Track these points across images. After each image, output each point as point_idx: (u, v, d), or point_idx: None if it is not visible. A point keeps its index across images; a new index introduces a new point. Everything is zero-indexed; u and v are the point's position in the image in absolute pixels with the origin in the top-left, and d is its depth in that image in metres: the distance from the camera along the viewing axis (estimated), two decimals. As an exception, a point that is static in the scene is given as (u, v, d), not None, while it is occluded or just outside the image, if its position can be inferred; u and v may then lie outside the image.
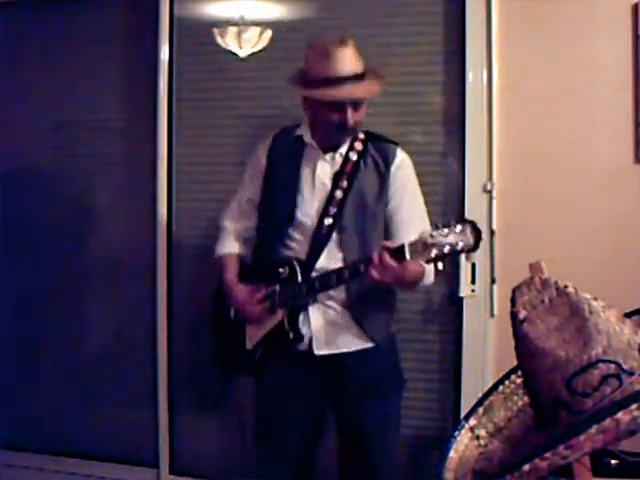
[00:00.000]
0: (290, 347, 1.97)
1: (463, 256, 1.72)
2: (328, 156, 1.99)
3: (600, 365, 1.14)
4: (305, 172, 2.00)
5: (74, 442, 2.92)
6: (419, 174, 2.47)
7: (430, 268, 1.86)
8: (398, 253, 1.68)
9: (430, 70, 2.46)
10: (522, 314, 1.30)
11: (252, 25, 2.52)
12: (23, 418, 2.98)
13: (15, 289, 3.00)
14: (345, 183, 1.94)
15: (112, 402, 2.88)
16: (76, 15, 2.84)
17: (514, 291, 1.37)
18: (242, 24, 2.52)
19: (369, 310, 1.98)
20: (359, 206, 1.95)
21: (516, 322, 1.30)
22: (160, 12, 2.67)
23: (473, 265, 2.37)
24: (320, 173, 1.98)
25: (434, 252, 1.60)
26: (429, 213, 2.43)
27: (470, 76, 2.38)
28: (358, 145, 1.98)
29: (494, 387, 1.52)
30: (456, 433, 1.44)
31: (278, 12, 2.63)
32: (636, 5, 2.23)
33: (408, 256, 1.66)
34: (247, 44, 2.51)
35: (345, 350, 1.96)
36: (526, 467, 1.10)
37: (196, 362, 2.75)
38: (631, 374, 1.13)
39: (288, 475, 2.08)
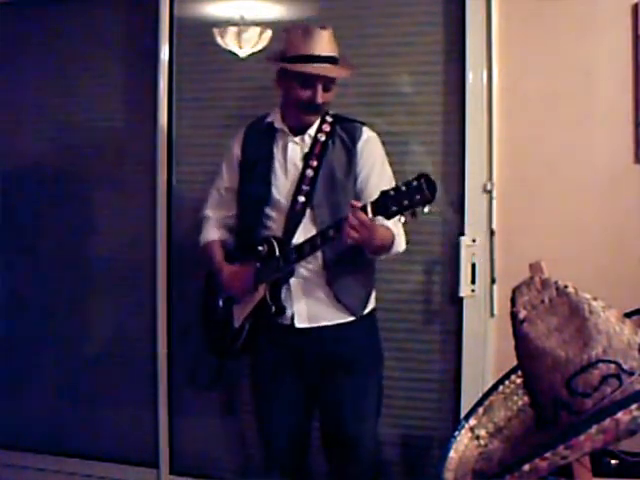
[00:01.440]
0: (274, 321, 2.07)
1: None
2: (297, 138, 2.09)
3: (600, 365, 1.14)
4: (277, 155, 2.10)
5: (74, 442, 2.92)
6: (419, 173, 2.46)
7: (399, 234, 2.01)
8: (362, 212, 1.78)
9: (430, 70, 2.46)
10: (522, 314, 1.30)
11: (252, 25, 2.52)
12: (23, 418, 2.98)
13: (15, 288, 3.00)
14: (315, 162, 2.05)
15: (112, 402, 2.87)
16: (76, 15, 2.84)
17: (514, 291, 1.37)
18: (242, 24, 2.52)
19: (347, 284, 2.07)
20: (330, 183, 2.05)
21: (516, 322, 1.30)
22: (160, 12, 2.67)
23: (473, 265, 2.37)
24: (291, 154, 2.08)
25: (393, 207, 1.72)
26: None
27: (470, 76, 2.38)
28: (326, 127, 2.08)
29: (494, 387, 1.52)
30: (456, 433, 1.44)
31: (278, 12, 2.63)
32: (636, 5, 2.23)
33: (370, 213, 1.76)
34: (247, 44, 2.51)
35: (325, 323, 2.06)
36: (526, 467, 1.10)
37: (196, 362, 2.75)
38: (631, 374, 1.13)
39: (284, 446, 2.18)
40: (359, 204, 1.80)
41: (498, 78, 2.36)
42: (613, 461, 1.57)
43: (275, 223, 2.08)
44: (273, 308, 2.04)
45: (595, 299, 1.24)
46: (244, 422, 2.68)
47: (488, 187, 2.37)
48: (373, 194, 1.98)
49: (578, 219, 2.31)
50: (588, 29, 2.29)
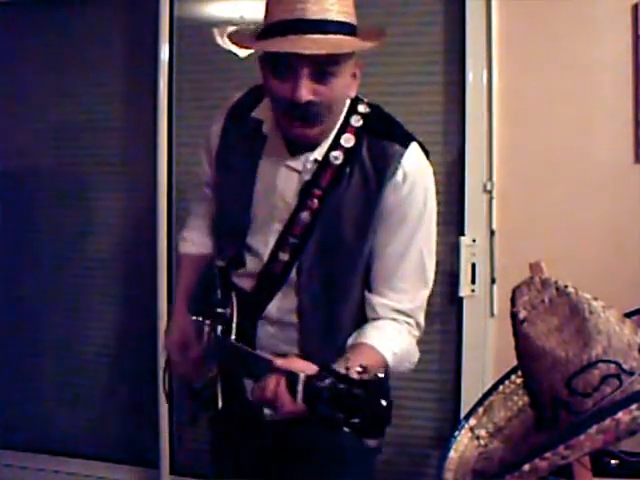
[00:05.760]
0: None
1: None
2: (295, 162, 1.34)
3: (600, 365, 1.14)
4: (263, 178, 1.38)
5: (74, 442, 2.92)
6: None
7: (400, 344, 1.34)
8: (290, 384, 1.11)
9: (430, 70, 2.46)
10: (522, 314, 1.30)
11: (252, 25, 2.52)
12: (23, 418, 2.98)
13: (14, 287, 3.00)
14: (316, 202, 1.31)
15: (112, 402, 2.87)
16: (76, 15, 2.84)
17: (514, 291, 1.37)
18: (242, 24, 2.52)
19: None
20: (332, 239, 1.32)
21: (516, 322, 1.30)
22: (160, 12, 2.66)
23: (473, 265, 2.38)
24: (282, 185, 1.35)
25: (325, 409, 1.04)
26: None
27: (470, 76, 2.38)
28: (348, 139, 1.31)
29: (494, 387, 1.52)
30: (456, 433, 1.44)
31: (278, 12, 2.63)
32: (636, 5, 2.23)
33: (300, 397, 1.08)
34: (247, 44, 2.51)
35: None
36: (526, 467, 1.09)
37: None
38: (631, 374, 1.13)
39: None
40: (284, 365, 1.12)
41: (498, 78, 2.36)
42: (613, 461, 1.57)
43: (247, 278, 1.40)
44: (220, 403, 1.45)
45: (595, 299, 1.24)
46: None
47: (488, 187, 2.37)
48: (386, 273, 1.34)
49: (578, 219, 2.31)
50: (588, 29, 2.29)
